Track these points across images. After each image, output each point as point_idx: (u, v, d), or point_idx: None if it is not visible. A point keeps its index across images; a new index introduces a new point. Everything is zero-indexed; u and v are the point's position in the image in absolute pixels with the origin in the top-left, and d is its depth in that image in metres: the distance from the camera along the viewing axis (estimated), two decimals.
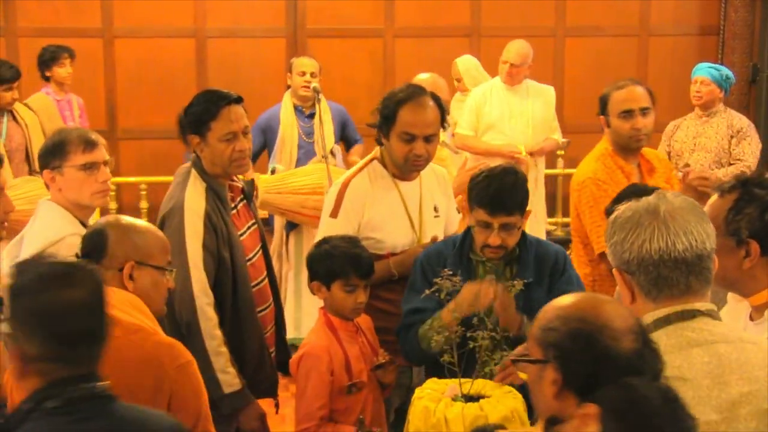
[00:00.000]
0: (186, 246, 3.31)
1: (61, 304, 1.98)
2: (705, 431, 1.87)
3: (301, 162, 5.98)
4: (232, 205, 3.55)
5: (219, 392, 3.28)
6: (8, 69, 6.24)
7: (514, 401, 2.76)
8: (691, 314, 2.00)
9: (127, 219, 2.76)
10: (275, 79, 7.93)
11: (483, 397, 2.81)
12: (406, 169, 3.61)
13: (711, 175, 5.62)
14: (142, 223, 2.79)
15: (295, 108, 6.13)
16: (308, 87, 5.96)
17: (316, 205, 4.83)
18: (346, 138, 6.42)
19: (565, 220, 8.21)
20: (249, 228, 3.61)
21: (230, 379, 3.34)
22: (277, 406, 3.79)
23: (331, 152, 5.50)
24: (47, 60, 6.93)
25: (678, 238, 1.97)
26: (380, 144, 3.66)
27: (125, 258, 2.63)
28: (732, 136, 5.76)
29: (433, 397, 2.81)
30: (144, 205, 7.49)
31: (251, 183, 3.73)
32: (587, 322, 1.84)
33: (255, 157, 6.11)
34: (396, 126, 3.52)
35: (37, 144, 6.16)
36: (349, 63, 8.05)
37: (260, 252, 3.65)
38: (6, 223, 3.18)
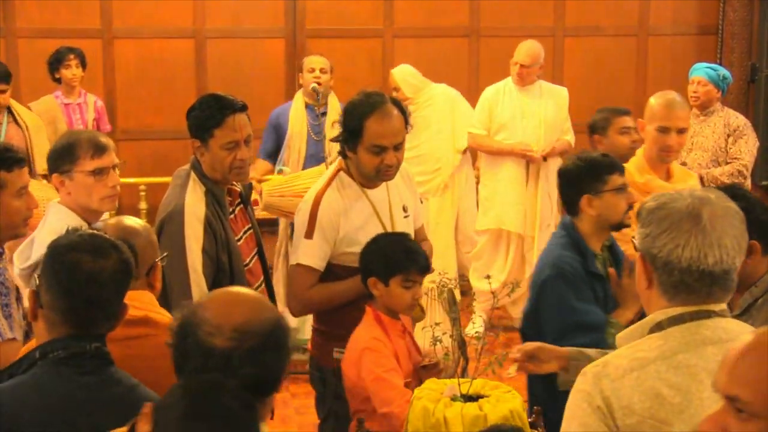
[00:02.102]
0: (186, 250, 3.29)
1: (83, 267, 2.19)
2: None
3: (308, 160, 5.96)
4: (230, 210, 3.53)
5: None
6: None
7: (514, 401, 2.76)
8: (707, 314, 1.99)
9: (127, 221, 2.77)
10: (275, 80, 7.94)
11: (482, 396, 2.80)
12: (377, 179, 3.52)
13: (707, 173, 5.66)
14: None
15: (307, 106, 6.13)
16: (318, 84, 5.98)
17: None
18: None
19: None
20: (245, 233, 3.59)
21: None
22: (272, 410, 3.78)
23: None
24: (53, 62, 6.74)
25: (711, 250, 1.94)
26: (344, 157, 3.54)
27: (151, 260, 2.69)
28: (729, 135, 5.76)
29: (432, 397, 2.79)
30: (143, 206, 7.47)
31: (249, 187, 3.70)
32: (194, 314, 1.92)
33: (271, 155, 6.14)
34: (364, 139, 3.41)
35: (38, 146, 6.11)
36: (349, 63, 8.04)
37: (256, 257, 3.63)
38: (29, 220, 3.18)
